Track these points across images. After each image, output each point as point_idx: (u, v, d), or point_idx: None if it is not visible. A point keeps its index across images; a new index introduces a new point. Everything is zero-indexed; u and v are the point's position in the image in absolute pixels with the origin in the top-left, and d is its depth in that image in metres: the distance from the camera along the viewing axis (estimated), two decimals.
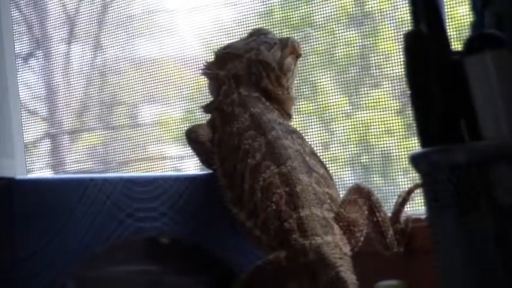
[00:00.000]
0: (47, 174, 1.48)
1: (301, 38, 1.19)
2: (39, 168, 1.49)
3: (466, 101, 0.57)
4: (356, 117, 1.18)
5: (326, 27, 1.19)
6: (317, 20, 1.20)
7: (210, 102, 0.98)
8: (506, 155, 0.54)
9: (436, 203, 0.57)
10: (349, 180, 1.16)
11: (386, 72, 1.15)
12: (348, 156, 1.17)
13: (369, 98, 1.17)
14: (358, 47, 1.18)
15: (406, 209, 0.98)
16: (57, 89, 1.48)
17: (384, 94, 1.15)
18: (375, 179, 1.16)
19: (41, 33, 1.50)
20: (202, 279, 0.92)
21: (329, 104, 1.19)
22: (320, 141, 1.18)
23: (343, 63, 1.18)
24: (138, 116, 1.42)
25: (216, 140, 0.94)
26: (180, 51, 1.33)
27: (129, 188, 0.86)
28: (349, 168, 1.18)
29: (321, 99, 1.20)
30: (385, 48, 1.15)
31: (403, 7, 1.11)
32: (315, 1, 1.19)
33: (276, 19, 1.23)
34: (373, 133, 1.16)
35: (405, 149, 1.12)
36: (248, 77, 0.96)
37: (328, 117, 1.19)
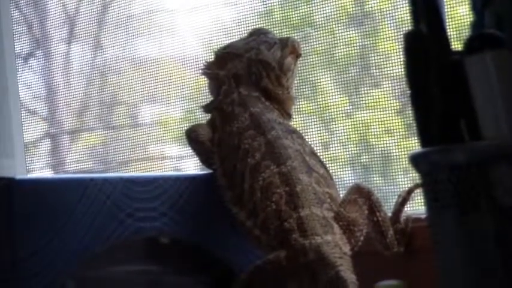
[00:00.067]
0: (47, 174, 1.48)
1: (301, 37, 1.19)
2: (39, 168, 1.49)
3: (466, 101, 0.57)
4: (356, 117, 1.18)
5: (326, 27, 1.19)
6: (317, 20, 1.20)
7: (210, 102, 0.98)
8: (506, 155, 0.54)
9: (436, 203, 0.57)
10: (349, 180, 1.16)
11: (386, 72, 1.15)
12: (348, 156, 1.17)
13: (369, 97, 1.17)
14: (358, 47, 1.18)
15: (406, 209, 0.98)
16: (57, 88, 1.48)
17: (384, 94, 1.15)
18: (375, 179, 1.16)
19: (41, 33, 1.50)
20: (202, 279, 0.92)
21: (329, 104, 1.19)
22: (320, 141, 1.18)
23: (343, 63, 1.18)
24: (138, 116, 1.42)
25: (216, 139, 0.94)
26: (180, 51, 1.33)
27: (129, 188, 0.86)
28: (349, 168, 1.18)
29: (321, 99, 1.20)
30: (385, 48, 1.15)
31: (403, 7, 1.11)
32: (315, 1, 1.19)
33: (276, 19, 1.23)
34: (373, 133, 1.16)
35: (405, 149, 1.12)
36: (248, 77, 0.96)
37: (328, 117, 1.19)
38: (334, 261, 0.81)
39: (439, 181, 0.56)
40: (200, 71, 0.99)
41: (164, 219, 0.89)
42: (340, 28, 1.18)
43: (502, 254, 0.54)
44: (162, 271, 0.90)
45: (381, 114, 1.15)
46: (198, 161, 0.98)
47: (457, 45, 0.60)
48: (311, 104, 1.21)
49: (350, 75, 1.18)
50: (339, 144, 1.18)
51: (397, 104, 1.15)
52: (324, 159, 0.96)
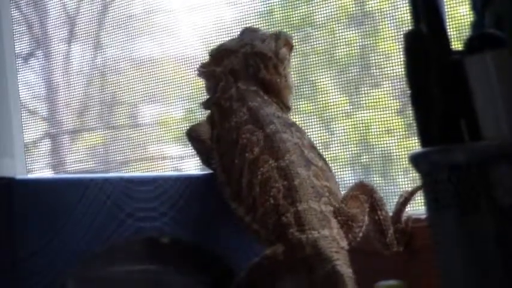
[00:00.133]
0: (47, 174, 1.48)
1: (301, 37, 1.20)
2: (39, 168, 1.48)
3: (466, 101, 0.57)
4: (356, 117, 1.18)
5: (326, 27, 1.19)
6: (317, 20, 1.20)
7: (209, 98, 0.98)
8: (507, 155, 0.54)
9: (436, 203, 0.57)
10: (349, 180, 1.16)
11: (386, 72, 1.15)
12: (348, 156, 1.17)
13: (369, 97, 1.17)
14: (358, 47, 1.18)
15: (406, 209, 0.98)
16: (58, 88, 1.48)
17: (384, 94, 1.15)
18: (375, 178, 1.16)
19: (41, 33, 1.50)
20: (203, 279, 0.92)
21: (329, 104, 1.19)
22: (320, 141, 1.18)
23: (343, 63, 1.18)
24: (139, 116, 1.42)
25: (215, 136, 0.94)
26: (181, 51, 1.33)
27: (129, 188, 0.86)
28: (349, 168, 1.18)
29: (321, 99, 1.20)
30: (385, 48, 1.15)
31: (403, 7, 1.11)
32: (315, 1, 1.19)
33: (276, 19, 1.23)
34: (373, 133, 1.16)
35: (405, 149, 1.12)
36: (245, 71, 0.96)
37: (328, 117, 1.19)
38: (330, 255, 0.81)
39: (439, 181, 0.56)
40: (196, 72, 0.99)
41: (164, 219, 0.89)
42: (340, 28, 1.18)
43: (502, 254, 0.54)
44: (162, 271, 0.90)
45: (381, 114, 1.15)
46: (198, 161, 0.98)
47: (457, 45, 0.60)
48: (311, 104, 1.21)
49: (350, 75, 1.18)
50: (339, 144, 1.18)
51: (397, 104, 1.15)
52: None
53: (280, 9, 1.24)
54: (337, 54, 1.18)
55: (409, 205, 0.98)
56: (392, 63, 1.13)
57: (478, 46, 0.58)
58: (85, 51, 1.46)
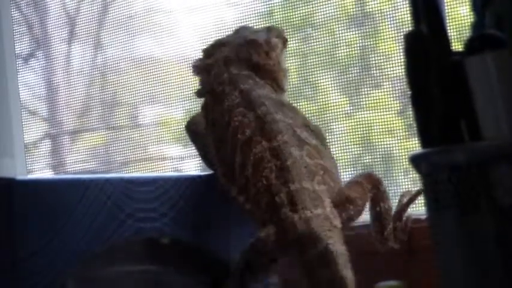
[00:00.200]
0: (48, 174, 1.48)
1: (301, 38, 1.20)
2: (39, 169, 1.48)
3: (467, 101, 0.57)
4: (356, 118, 1.18)
5: (326, 28, 1.19)
6: (317, 21, 1.20)
7: (202, 87, 0.98)
8: (507, 156, 0.54)
9: (437, 204, 0.57)
10: None
11: (386, 73, 1.15)
12: (348, 156, 1.17)
13: (370, 98, 1.17)
14: (358, 48, 1.18)
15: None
16: (58, 89, 1.48)
17: (384, 94, 1.15)
18: None
19: (41, 33, 1.50)
20: (202, 279, 0.92)
21: (329, 105, 1.19)
22: None
23: (344, 63, 1.18)
24: (139, 117, 1.42)
25: (210, 121, 0.94)
26: (181, 51, 1.33)
27: (129, 189, 0.86)
28: (350, 169, 1.18)
29: (321, 100, 1.20)
30: (385, 48, 1.15)
31: (403, 7, 1.11)
32: (316, 1, 1.19)
33: (277, 19, 1.23)
34: (373, 134, 1.16)
35: (406, 150, 1.12)
36: (237, 58, 0.96)
37: (328, 118, 1.19)
38: (323, 234, 0.81)
39: (440, 182, 0.56)
40: (191, 69, 1.00)
41: (164, 220, 0.89)
42: (340, 29, 1.18)
43: (503, 254, 0.54)
44: (162, 271, 0.90)
45: (381, 115, 1.15)
46: (199, 162, 0.98)
47: (457, 46, 0.60)
48: (311, 105, 1.21)
49: (351, 75, 1.18)
50: (339, 145, 1.18)
51: (398, 104, 1.15)
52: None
53: (281, 9, 1.24)
54: (338, 54, 1.18)
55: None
56: (392, 63, 1.13)
57: (478, 47, 0.58)
58: (85, 51, 1.46)
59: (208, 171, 0.95)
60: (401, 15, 1.12)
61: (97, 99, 1.44)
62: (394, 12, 1.13)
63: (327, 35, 1.19)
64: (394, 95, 1.15)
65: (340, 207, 0.86)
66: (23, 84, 1.49)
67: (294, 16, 1.22)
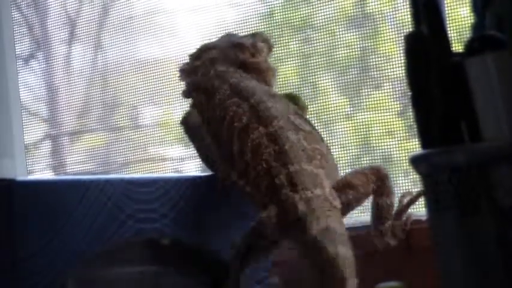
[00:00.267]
0: (48, 175, 1.48)
1: (301, 39, 1.20)
2: (39, 170, 1.48)
3: (467, 102, 0.57)
4: (357, 119, 1.18)
5: (326, 29, 1.19)
6: (317, 22, 1.20)
7: (187, 86, 0.99)
8: (507, 156, 0.54)
9: (437, 205, 0.57)
10: None
11: (387, 74, 1.15)
12: (348, 157, 1.17)
13: (370, 99, 1.17)
14: (358, 49, 1.18)
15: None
16: (58, 90, 1.48)
17: (384, 95, 1.16)
18: None
19: (41, 34, 1.50)
20: (203, 280, 0.92)
21: (329, 106, 1.19)
22: None
23: (344, 64, 1.18)
24: (139, 117, 1.42)
25: (206, 118, 0.95)
26: (182, 52, 1.33)
27: (129, 189, 0.87)
28: (350, 170, 1.18)
29: (321, 101, 1.20)
30: (385, 49, 1.15)
31: (403, 8, 1.11)
32: (316, 3, 1.19)
33: (277, 20, 1.23)
34: (373, 135, 1.16)
35: (406, 151, 1.12)
36: (224, 58, 0.97)
37: (328, 119, 1.19)
38: (323, 214, 0.81)
39: (440, 183, 0.56)
40: (178, 73, 1.01)
41: (165, 221, 0.89)
42: (340, 30, 1.18)
43: (503, 255, 0.54)
44: (163, 272, 0.90)
45: (381, 116, 1.15)
46: (199, 163, 0.98)
47: (457, 47, 0.60)
48: (311, 106, 1.21)
49: (350, 76, 1.18)
50: (339, 146, 1.18)
51: (398, 105, 1.15)
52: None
53: (281, 11, 1.24)
54: (338, 56, 1.18)
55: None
56: (392, 65, 1.13)
57: (478, 48, 0.58)
58: (86, 52, 1.46)
59: (209, 172, 0.95)
60: (401, 16, 1.12)
61: (97, 100, 1.44)
62: (394, 13, 1.13)
63: (327, 36, 1.19)
64: (394, 96, 1.15)
65: (340, 191, 0.86)
66: (23, 85, 1.49)
67: (294, 17, 1.22)
